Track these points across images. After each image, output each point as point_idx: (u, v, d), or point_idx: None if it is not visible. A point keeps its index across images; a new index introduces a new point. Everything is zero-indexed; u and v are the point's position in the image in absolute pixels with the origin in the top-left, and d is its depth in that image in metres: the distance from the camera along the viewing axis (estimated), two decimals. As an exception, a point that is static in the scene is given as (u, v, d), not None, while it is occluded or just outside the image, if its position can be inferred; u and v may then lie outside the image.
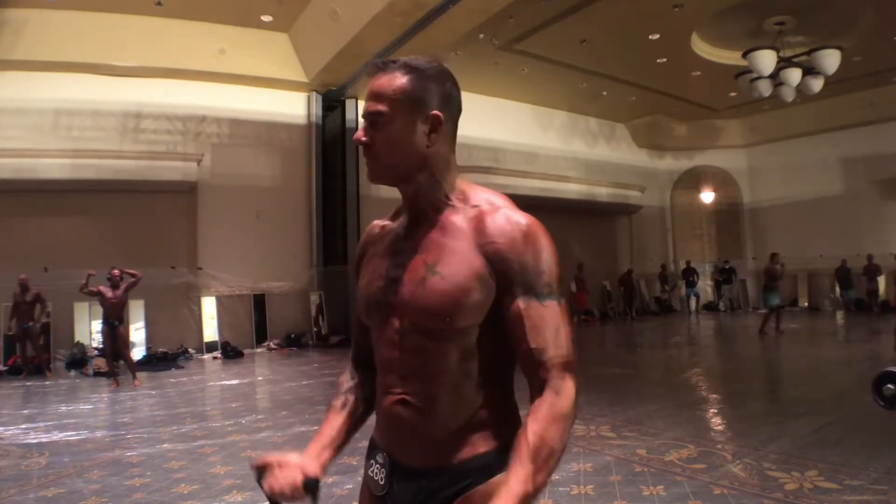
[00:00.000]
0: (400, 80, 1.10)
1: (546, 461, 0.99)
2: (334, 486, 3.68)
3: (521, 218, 1.09)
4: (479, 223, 1.09)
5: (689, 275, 16.61)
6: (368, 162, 1.14)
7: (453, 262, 1.07)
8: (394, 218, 1.26)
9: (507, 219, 1.08)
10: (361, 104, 12.84)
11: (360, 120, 1.16)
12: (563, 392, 1.04)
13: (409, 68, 1.10)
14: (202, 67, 10.59)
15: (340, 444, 1.23)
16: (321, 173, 11.81)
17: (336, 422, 1.24)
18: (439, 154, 1.13)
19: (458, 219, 1.11)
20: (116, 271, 7.95)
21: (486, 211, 1.11)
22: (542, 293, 1.06)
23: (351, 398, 1.28)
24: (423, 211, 1.14)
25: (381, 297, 1.14)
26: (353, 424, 1.26)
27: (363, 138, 1.11)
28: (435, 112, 1.10)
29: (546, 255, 1.07)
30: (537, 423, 1.01)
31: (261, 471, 1.12)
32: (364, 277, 1.22)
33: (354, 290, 1.32)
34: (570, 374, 1.05)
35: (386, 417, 1.15)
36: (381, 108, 1.09)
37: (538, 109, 15.29)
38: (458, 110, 1.17)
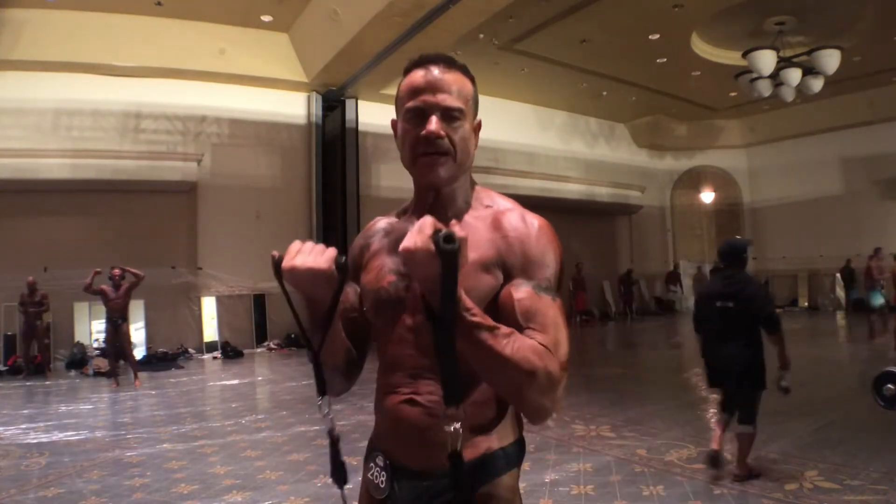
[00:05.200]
0: (467, 81, 1.14)
1: (510, 346, 0.93)
2: (335, 486, 3.68)
3: (535, 219, 1.11)
4: (493, 221, 1.11)
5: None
6: (437, 159, 1.08)
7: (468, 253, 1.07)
8: (400, 216, 1.25)
9: (521, 218, 1.11)
10: (362, 104, 12.75)
11: (409, 112, 1.09)
12: (552, 358, 0.98)
13: (467, 72, 1.15)
14: (202, 67, 10.59)
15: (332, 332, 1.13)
16: (321, 173, 11.81)
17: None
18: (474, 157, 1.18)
19: (472, 217, 1.14)
20: (117, 271, 7.95)
21: (500, 211, 1.13)
22: (540, 285, 1.05)
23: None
24: (443, 210, 1.14)
25: (393, 293, 1.13)
26: (343, 346, 1.18)
27: (440, 132, 1.07)
28: (479, 119, 1.17)
29: (552, 253, 1.08)
30: (520, 335, 0.97)
31: (279, 265, 1.05)
32: (370, 273, 1.19)
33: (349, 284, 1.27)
34: (560, 362, 0.99)
35: (390, 418, 1.14)
36: (460, 104, 1.10)
37: (538, 109, 15.29)
38: None
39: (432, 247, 0.87)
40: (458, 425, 0.92)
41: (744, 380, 3.58)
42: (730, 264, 3.78)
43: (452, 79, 1.11)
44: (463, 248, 0.88)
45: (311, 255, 1.05)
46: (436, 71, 1.10)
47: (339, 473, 1.13)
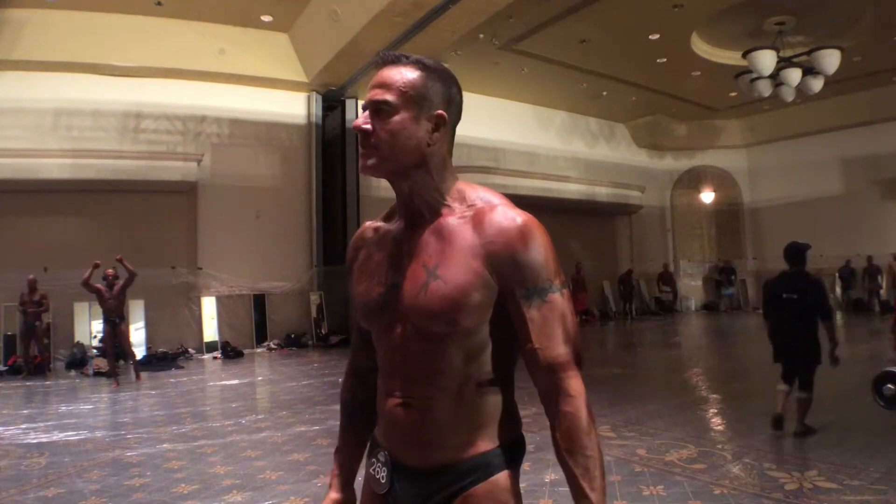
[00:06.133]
0: (410, 74, 1.10)
1: (598, 474, 1.02)
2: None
3: (517, 216, 1.08)
4: (476, 224, 1.08)
5: (730, 274, 16.62)
6: (365, 151, 1.11)
7: (453, 264, 1.06)
8: (387, 219, 1.24)
9: (503, 216, 1.08)
10: (361, 104, 13.01)
11: (360, 110, 1.14)
12: (574, 394, 1.04)
13: (420, 65, 1.12)
14: (202, 67, 10.59)
15: (357, 471, 1.29)
16: (321, 173, 11.81)
17: (350, 449, 1.30)
18: (438, 154, 1.13)
19: (455, 220, 1.11)
20: (111, 271, 8.01)
21: (482, 210, 1.10)
22: (544, 289, 1.06)
23: (359, 417, 1.32)
24: (419, 212, 1.13)
25: (383, 303, 1.14)
26: (365, 443, 1.30)
27: (365, 125, 1.10)
28: (440, 111, 1.11)
29: (543, 250, 1.07)
30: (571, 441, 1.03)
31: None
32: (362, 283, 1.20)
33: (349, 292, 1.31)
34: (576, 370, 1.07)
35: (388, 419, 1.15)
36: (389, 97, 1.09)
37: (538, 109, 15.29)
38: (459, 116, 1.18)
39: None
40: None
41: (804, 356, 4.50)
42: (793, 263, 4.67)
43: (392, 73, 1.10)
44: None
45: None
46: (382, 69, 1.12)
47: None
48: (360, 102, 10.10)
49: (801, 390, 4.48)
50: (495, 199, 1.13)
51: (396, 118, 1.09)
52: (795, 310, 4.49)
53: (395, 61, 1.11)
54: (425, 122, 1.10)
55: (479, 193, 1.14)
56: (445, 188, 1.14)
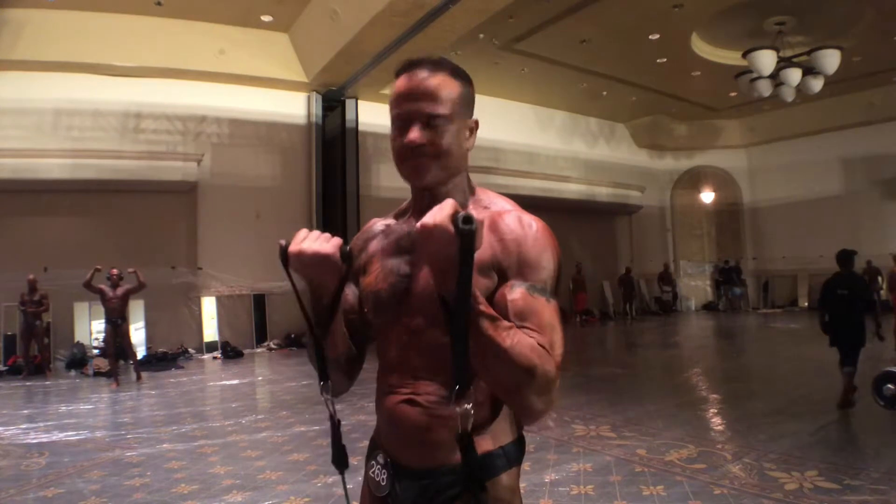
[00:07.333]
0: (454, 83, 1.12)
1: (510, 339, 0.93)
2: (335, 485, 3.69)
3: (532, 221, 1.10)
4: (491, 223, 1.10)
5: (739, 274, 16.63)
6: (422, 163, 1.09)
7: None
8: (397, 217, 1.25)
9: (518, 219, 1.10)
10: (362, 104, 12.77)
11: (394, 120, 1.11)
12: (549, 359, 0.96)
13: (457, 72, 1.14)
14: (202, 67, 10.58)
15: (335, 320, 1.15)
16: (321, 173, 11.80)
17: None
18: (468, 158, 1.18)
19: None
20: (115, 271, 7.99)
21: (498, 212, 1.12)
22: (535, 287, 1.03)
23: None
24: None
25: (393, 295, 1.13)
26: (344, 339, 1.19)
27: (422, 140, 1.08)
28: (475, 119, 1.16)
29: (549, 255, 1.07)
30: (520, 331, 0.96)
31: (286, 251, 1.09)
32: (370, 275, 1.20)
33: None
34: (556, 366, 0.98)
35: (389, 417, 1.14)
36: (442, 110, 1.09)
37: (538, 109, 15.29)
38: None
39: (451, 226, 0.89)
40: (468, 406, 0.95)
41: (852, 340, 5.45)
42: (843, 265, 5.73)
43: (437, 83, 1.09)
44: (479, 231, 0.91)
45: (317, 242, 1.09)
46: (419, 76, 1.09)
47: (340, 458, 1.17)
48: (361, 103, 10.00)
49: (847, 366, 5.40)
50: (509, 204, 1.16)
51: (452, 129, 1.11)
52: (846, 303, 5.49)
53: (438, 67, 1.11)
54: (465, 130, 1.14)
55: (493, 199, 1.18)
56: (469, 190, 1.19)
